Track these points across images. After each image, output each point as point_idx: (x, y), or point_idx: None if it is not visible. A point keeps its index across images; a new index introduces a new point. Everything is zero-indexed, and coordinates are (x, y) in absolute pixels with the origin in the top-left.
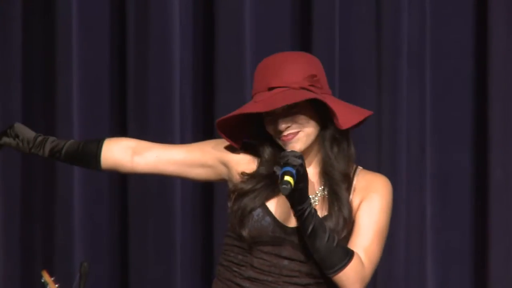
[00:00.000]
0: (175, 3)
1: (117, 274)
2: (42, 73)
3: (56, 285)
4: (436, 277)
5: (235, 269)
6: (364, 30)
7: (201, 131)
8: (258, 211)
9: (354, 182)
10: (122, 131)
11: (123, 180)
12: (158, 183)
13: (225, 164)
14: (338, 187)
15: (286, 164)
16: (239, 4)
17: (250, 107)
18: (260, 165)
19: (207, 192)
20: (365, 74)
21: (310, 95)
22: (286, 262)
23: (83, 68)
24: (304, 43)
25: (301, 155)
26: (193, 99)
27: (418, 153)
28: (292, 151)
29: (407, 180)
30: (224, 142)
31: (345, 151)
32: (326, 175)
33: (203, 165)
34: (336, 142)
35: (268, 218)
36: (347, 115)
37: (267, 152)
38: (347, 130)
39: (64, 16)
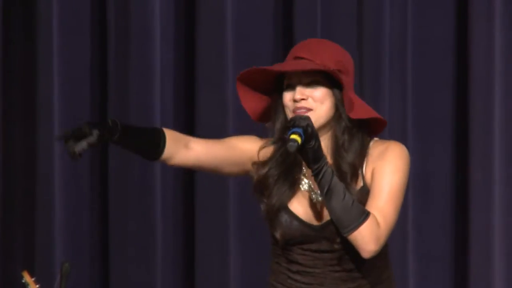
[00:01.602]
0: (156, 4)
1: (98, 275)
2: (23, 74)
3: (37, 286)
4: (418, 276)
5: (284, 265)
6: (345, 29)
7: (182, 132)
8: (284, 216)
9: (369, 152)
10: None
11: (104, 181)
12: (139, 184)
13: (250, 159)
14: (346, 180)
15: (293, 126)
16: (220, 3)
17: (274, 67)
18: (272, 145)
19: (188, 192)
20: None
21: (331, 70)
22: (326, 254)
23: (64, 68)
24: (285, 41)
25: (308, 117)
26: (174, 97)
27: None
28: (299, 115)
29: None
30: (251, 138)
31: (356, 143)
32: (335, 165)
33: (238, 164)
34: (348, 133)
35: (295, 222)
36: (361, 108)
37: (280, 122)
38: (362, 124)
39: (45, 17)
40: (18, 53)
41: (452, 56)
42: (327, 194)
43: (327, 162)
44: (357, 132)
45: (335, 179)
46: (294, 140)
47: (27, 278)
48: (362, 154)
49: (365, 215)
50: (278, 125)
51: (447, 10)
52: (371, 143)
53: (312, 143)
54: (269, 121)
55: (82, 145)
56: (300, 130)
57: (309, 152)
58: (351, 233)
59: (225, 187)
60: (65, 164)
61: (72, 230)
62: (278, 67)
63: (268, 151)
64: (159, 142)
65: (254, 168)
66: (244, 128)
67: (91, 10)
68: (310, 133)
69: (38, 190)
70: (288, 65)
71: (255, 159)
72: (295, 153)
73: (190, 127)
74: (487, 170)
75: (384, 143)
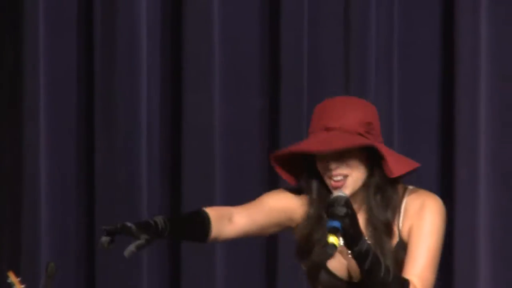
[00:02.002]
0: (143, 4)
1: (84, 275)
2: (9, 77)
3: (22, 286)
4: None
5: None
6: (332, 30)
7: (168, 133)
8: (324, 276)
9: (404, 205)
10: (89, 135)
11: (90, 182)
12: (125, 185)
13: (289, 218)
14: (381, 238)
15: (332, 215)
16: (207, 4)
17: (306, 146)
18: (309, 206)
19: (175, 193)
20: (334, 73)
21: (366, 141)
22: None
23: (50, 69)
24: (272, 43)
25: (347, 200)
26: (160, 98)
27: None
28: (338, 197)
29: None
30: (282, 193)
31: (388, 199)
32: (370, 224)
33: (278, 224)
34: (380, 191)
35: (333, 280)
36: (397, 164)
37: (314, 190)
38: (393, 178)
39: (31, 20)
40: (4, 54)
41: (438, 57)
42: (367, 271)
43: (365, 242)
44: (389, 188)
45: (374, 257)
46: (332, 247)
47: (12, 278)
48: (395, 208)
49: (405, 287)
50: (314, 195)
51: (433, 11)
52: (406, 194)
53: (351, 230)
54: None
55: (131, 249)
56: (337, 225)
57: (348, 239)
58: None
59: (212, 189)
60: (51, 165)
61: (58, 231)
62: (311, 146)
63: (305, 205)
64: (205, 228)
65: (296, 228)
66: (230, 127)
67: (78, 10)
68: (349, 223)
69: (24, 191)
70: (321, 143)
71: (292, 215)
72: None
73: (177, 129)
74: (473, 170)
75: (420, 195)
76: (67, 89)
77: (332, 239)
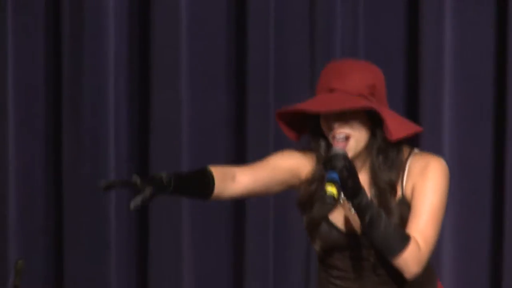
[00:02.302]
0: (110, 2)
1: (52, 271)
2: None
3: None
4: None
5: (325, 270)
6: (298, 28)
7: (136, 130)
8: (324, 226)
9: (408, 166)
10: (57, 132)
11: (58, 178)
12: (93, 180)
13: (295, 176)
14: (385, 197)
15: (330, 166)
16: (175, 3)
17: (309, 105)
18: (316, 163)
19: None
20: (299, 72)
21: (367, 104)
22: (364, 262)
23: (18, 68)
24: (239, 40)
25: (345, 154)
26: (128, 95)
27: None
28: (337, 151)
29: None
30: (289, 154)
31: (392, 161)
32: (374, 184)
33: (282, 183)
34: (383, 152)
35: (334, 232)
36: (398, 127)
37: (322, 148)
38: (397, 140)
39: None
40: None
41: (402, 56)
42: (368, 225)
43: (365, 195)
44: (392, 150)
45: (374, 210)
46: (330, 196)
47: None
48: (399, 168)
49: (406, 241)
50: (322, 151)
51: (397, 11)
52: (411, 157)
53: (350, 182)
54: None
55: (137, 202)
56: (335, 176)
57: (347, 191)
58: (394, 260)
59: None
60: (19, 161)
61: (26, 227)
62: (313, 106)
63: (311, 164)
64: (208, 185)
65: (302, 185)
66: (197, 127)
67: (45, 9)
68: (346, 176)
69: None
70: (323, 103)
71: (298, 174)
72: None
73: (144, 126)
74: None
75: (425, 157)
76: (35, 86)
77: (330, 189)
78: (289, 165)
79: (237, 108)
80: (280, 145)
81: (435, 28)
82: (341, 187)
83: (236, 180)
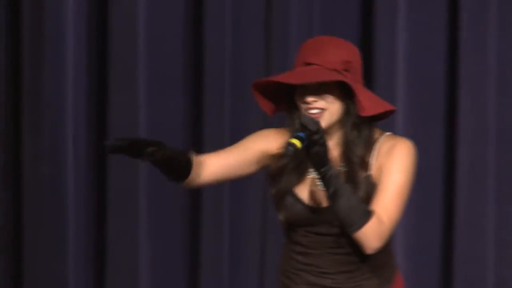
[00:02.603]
0: (69, 5)
1: (10, 268)
2: None
3: None
4: None
5: (289, 246)
6: (253, 31)
7: (94, 132)
8: (289, 198)
9: (377, 146)
10: (16, 133)
11: (16, 174)
12: (51, 177)
13: (267, 157)
14: (354, 171)
15: (303, 127)
16: (132, 5)
17: (284, 77)
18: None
19: (100, 185)
20: (255, 73)
21: (340, 78)
22: (326, 237)
23: None
24: (196, 43)
25: (318, 122)
26: (87, 97)
27: None
28: (310, 117)
29: None
30: (262, 134)
31: (365, 137)
32: (345, 157)
33: (255, 163)
34: (357, 127)
35: (299, 205)
36: (370, 104)
37: (297, 123)
38: (371, 119)
39: None
40: None
41: None
42: (332, 196)
43: (332, 167)
44: (365, 127)
45: (340, 182)
46: (292, 144)
47: None
48: (370, 145)
49: (369, 215)
50: (296, 125)
51: (352, 13)
52: (382, 138)
53: (316, 149)
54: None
55: (113, 142)
56: (303, 135)
57: (313, 158)
58: (355, 233)
59: (136, 185)
60: None
61: None
62: (288, 78)
63: (284, 141)
64: (185, 169)
65: (273, 158)
66: (155, 128)
67: (5, 12)
68: (314, 140)
69: None
70: (299, 76)
71: (271, 153)
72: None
73: (102, 128)
74: None
75: (394, 138)
76: None
77: (294, 141)
78: (261, 146)
79: (194, 109)
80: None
81: (389, 29)
82: (306, 146)
83: (205, 166)
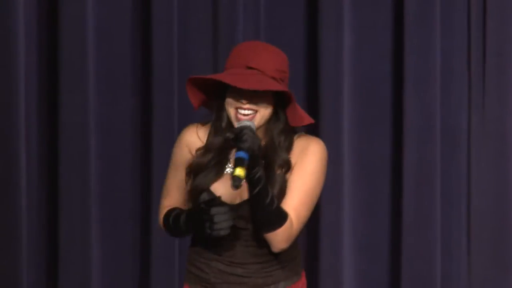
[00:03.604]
0: (19, 7)
1: None
2: None
3: None
4: None
5: (200, 240)
6: (201, 30)
7: (46, 132)
8: (204, 195)
9: (293, 147)
10: None
11: None
12: (3, 183)
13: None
14: (273, 169)
15: (241, 140)
16: (81, 6)
17: (230, 79)
18: (213, 134)
19: (52, 185)
20: (203, 73)
21: (283, 88)
22: (241, 231)
23: None
24: (144, 44)
25: (253, 127)
26: (38, 100)
27: None
28: (246, 123)
29: None
30: (181, 145)
31: (288, 142)
32: (266, 157)
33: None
34: (284, 133)
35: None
36: (299, 115)
37: (224, 120)
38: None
39: None
40: None
41: (302, 57)
42: (255, 195)
43: (261, 169)
44: (289, 132)
45: (265, 185)
46: (238, 179)
47: None
48: (290, 149)
49: (284, 219)
50: (223, 123)
51: (297, 13)
52: (296, 137)
53: (256, 156)
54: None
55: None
56: (244, 155)
57: (251, 161)
58: (268, 233)
59: (87, 183)
60: None
61: None
62: (233, 80)
63: (205, 137)
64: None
65: (196, 153)
66: (103, 128)
67: None
68: (255, 149)
69: None
70: (242, 79)
71: (193, 152)
72: (228, 144)
73: (54, 127)
74: (338, 169)
75: (307, 139)
76: None
77: (239, 171)
78: (188, 158)
79: (142, 109)
80: None
81: (334, 29)
82: (249, 161)
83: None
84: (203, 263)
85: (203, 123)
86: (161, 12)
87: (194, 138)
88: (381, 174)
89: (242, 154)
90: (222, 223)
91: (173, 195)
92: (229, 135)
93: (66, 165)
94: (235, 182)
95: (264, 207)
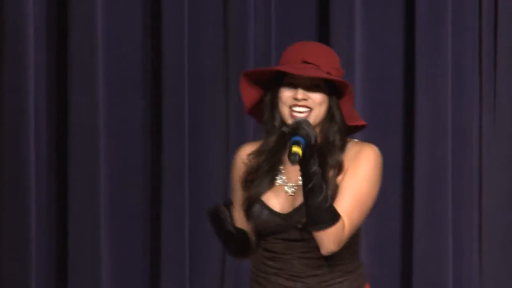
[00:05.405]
0: (29, 6)
1: None
2: None
3: None
4: None
5: (261, 252)
6: (212, 32)
7: (55, 133)
8: (256, 207)
9: (346, 151)
10: None
11: None
12: (13, 186)
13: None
14: (325, 170)
15: (295, 133)
16: (91, 8)
17: (289, 68)
18: (268, 135)
19: (61, 196)
20: (214, 75)
21: (337, 80)
22: (296, 243)
23: None
24: (154, 45)
25: (309, 122)
26: (47, 101)
27: None
28: (301, 119)
29: None
30: (235, 161)
31: (344, 142)
32: (320, 156)
33: None
34: (339, 134)
35: (265, 211)
36: (355, 115)
37: (277, 120)
38: (349, 126)
39: None
40: None
41: None
42: (308, 191)
43: (316, 163)
44: (344, 135)
45: (320, 179)
46: (296, 154)
47: None
48: (343, 152)
49: (336, 218)
50: (276, 123)
51: (309, 16)
52: (350, 143)
53: (311, 148)
54: (256, 115)
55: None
56: (301, 139)
57: (307, 153)
58: (319, 232)
59: (97, 186)
60: None
61: None
62: (292, 69)
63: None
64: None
65: (248, 158)
66: (113, 129)
67: None
68: (313, 143)
69: None
70: (301, 69)
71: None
72: (284, 139)
73: (63, 129)
74: None
75: (361, 144)
76: None
77: (296, 148)
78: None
79: (153, 112)
80: (194, 146)
81: (345, 33)
82: (305, 148)
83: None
84: (262, 278)
85: (254, 141)
86: (172, 13)
87: (245, 162)
88: (393, 175)
89: (299, 138)
90: (225, 242)
91: (237, 218)
92: (285, 129)
93: (76, 166)
94: (293, 157)
95: (317, 203)
